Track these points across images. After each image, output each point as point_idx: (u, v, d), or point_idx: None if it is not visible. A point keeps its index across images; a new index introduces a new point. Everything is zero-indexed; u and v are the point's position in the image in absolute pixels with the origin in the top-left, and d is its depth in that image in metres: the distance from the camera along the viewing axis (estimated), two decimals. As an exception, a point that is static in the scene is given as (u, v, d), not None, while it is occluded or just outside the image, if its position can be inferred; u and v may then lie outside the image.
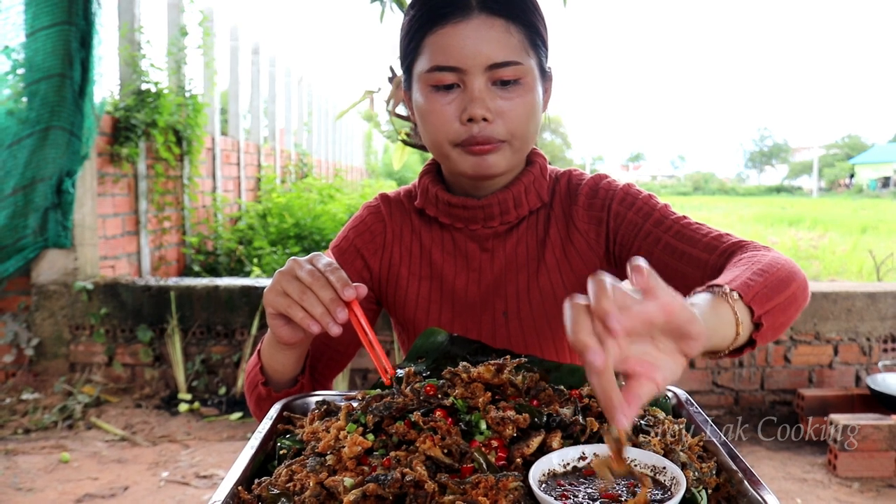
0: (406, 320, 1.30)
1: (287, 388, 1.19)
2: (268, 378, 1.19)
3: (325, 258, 1.03)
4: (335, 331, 0.99)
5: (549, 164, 1.33)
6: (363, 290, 1.00)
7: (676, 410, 1.03)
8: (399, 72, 2.49)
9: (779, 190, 57.26)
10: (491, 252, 1.27)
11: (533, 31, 1.14)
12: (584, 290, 1.26)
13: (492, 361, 0.94)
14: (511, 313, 1.26)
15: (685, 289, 1.10)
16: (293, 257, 1.04)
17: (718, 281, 0.91)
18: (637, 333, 0.66)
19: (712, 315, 0.85)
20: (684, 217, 1.20)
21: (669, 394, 1.05)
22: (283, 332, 1.06)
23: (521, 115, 1.13)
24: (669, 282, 1.15)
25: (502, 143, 1.13)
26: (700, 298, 0.87)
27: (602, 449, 0.81)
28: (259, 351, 1.19)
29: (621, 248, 1.23)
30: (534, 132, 1.17)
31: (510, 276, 1.27)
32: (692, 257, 1.13)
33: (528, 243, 1.27)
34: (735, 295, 0.89)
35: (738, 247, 1.09)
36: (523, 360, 0.99)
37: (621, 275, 1.21)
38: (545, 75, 1.20)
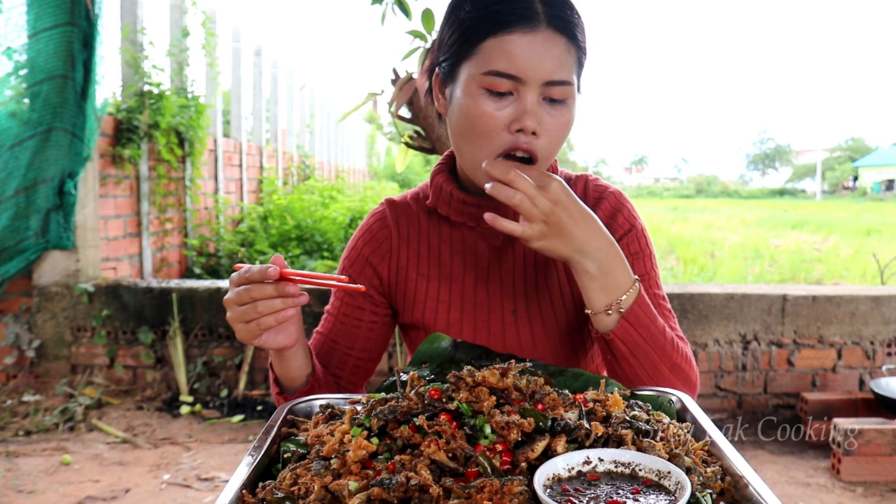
0: (415, 321, 1.31)
1: (301, 389, 1.22)
2: (283, 387, 1.23)
3: (239, 271, 1.08)
4: (302, 301, 1.07)
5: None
6: (279, 258, 1.07)
7: (680, 414, 1.03)
8: (402, 73, 2.48)
9: (782, 193, 57.31)
10: (500, 251, 1.28)
11: (582, 53, 1.15)
12: None
13: (496, 365, 0.93)
14: (520, 313, 1.27)
15: None
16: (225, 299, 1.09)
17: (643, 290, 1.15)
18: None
19: (620, 265, 1.11)
20: (665, 299, 1.29)
21: (673, 398, 1.05)
22: (275, 342, 1.12)
23: (561, 135, 1.14)
24: None
25: (536, 161, 1.12)
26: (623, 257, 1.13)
27: (607, 454, 0.81)
28: (270, 364, 1.24)
29: None
30: (559, 150, 1.19)
31: (519, 276, 1.28)
32: None
33: None
34: (637, 287, 1.12)
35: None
36: (528, 364, 0.98)
37: None
38: (578, 95, 1.20)
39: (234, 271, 1.08)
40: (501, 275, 1.28)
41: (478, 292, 1.28)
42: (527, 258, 1.28)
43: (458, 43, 1.14)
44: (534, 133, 1.10)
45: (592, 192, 1.31)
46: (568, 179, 1.33)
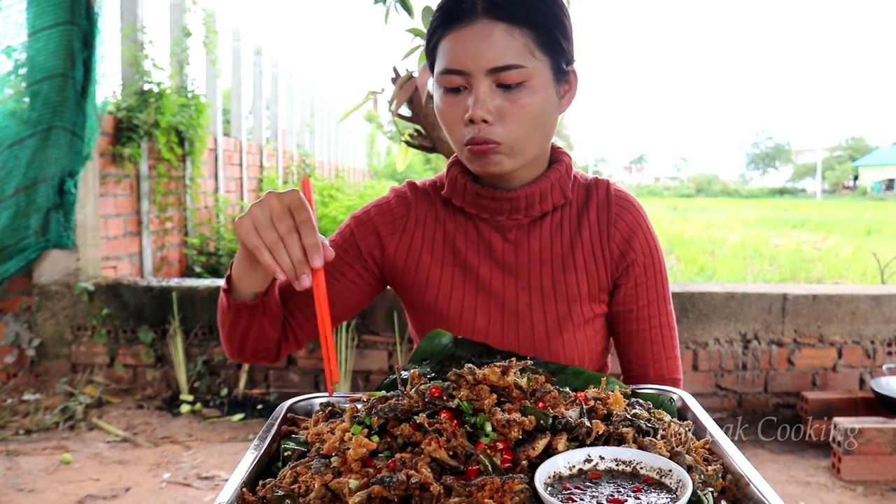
0: (426, 305, 1.31)
1: (245, 300, 1.18)
2: (231, 286, 1.19)
3: (306, 211, 1.02)
4: (297, 287, 1.02)
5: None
6: (330, 253, 1.04)
7: (681, 413, 1.03)
8: (402, 72, 2.49)
9: (782, 192, 57.28)
10: (514, 244, 1.29)
11: (543, 33, 1.16)
12: (603, 295, 1.29)
13: (497, 363, 0.93)
14: (535, 306, 1.28)
15: (621, 352, 1.38)
16: (272, 192, 1.05)
17: None
18: None
19: None
20: (671, 319, 1.35)
21: (674, 396, 1.05)
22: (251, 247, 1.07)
23: (522, 118, 1.16)
24: (617, 344, 1.35)
25: (498, 144, 1.16)
26: None
27: (608, 452, 0.81)
28: (231, 263, 1.20)
29: (615, 287, 1.33)
30: (540, 133, 1.20)
31: (535, 270, 1.29)
32: (644, 355, 1.33)
33: (554, 239, 1.30)
34: None
35: (671, 382, 1.33)
36: (528, 362, 0.98)
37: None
38: (562, 75, 1.21)
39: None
40: (517, 267, 1.29)
41: (493, 282, 1.29)
42: (542, 253, 1.29)
43: (428, 50, 1.23)
44: (485, 121, 1.15)
45: (615, 199, 1.32)
46: (585, 182, 1.34)
